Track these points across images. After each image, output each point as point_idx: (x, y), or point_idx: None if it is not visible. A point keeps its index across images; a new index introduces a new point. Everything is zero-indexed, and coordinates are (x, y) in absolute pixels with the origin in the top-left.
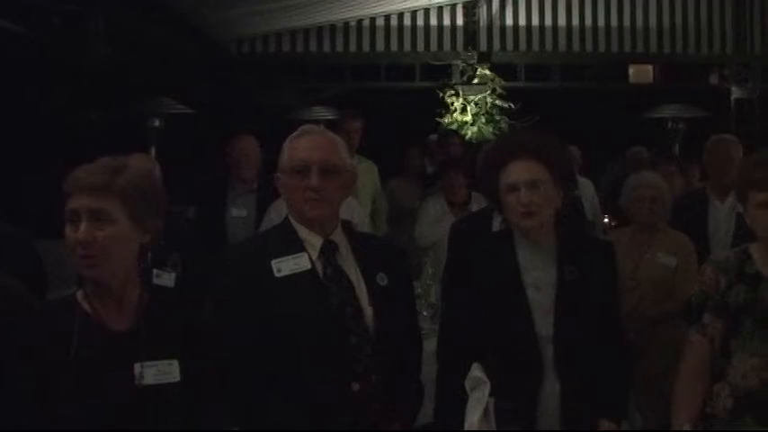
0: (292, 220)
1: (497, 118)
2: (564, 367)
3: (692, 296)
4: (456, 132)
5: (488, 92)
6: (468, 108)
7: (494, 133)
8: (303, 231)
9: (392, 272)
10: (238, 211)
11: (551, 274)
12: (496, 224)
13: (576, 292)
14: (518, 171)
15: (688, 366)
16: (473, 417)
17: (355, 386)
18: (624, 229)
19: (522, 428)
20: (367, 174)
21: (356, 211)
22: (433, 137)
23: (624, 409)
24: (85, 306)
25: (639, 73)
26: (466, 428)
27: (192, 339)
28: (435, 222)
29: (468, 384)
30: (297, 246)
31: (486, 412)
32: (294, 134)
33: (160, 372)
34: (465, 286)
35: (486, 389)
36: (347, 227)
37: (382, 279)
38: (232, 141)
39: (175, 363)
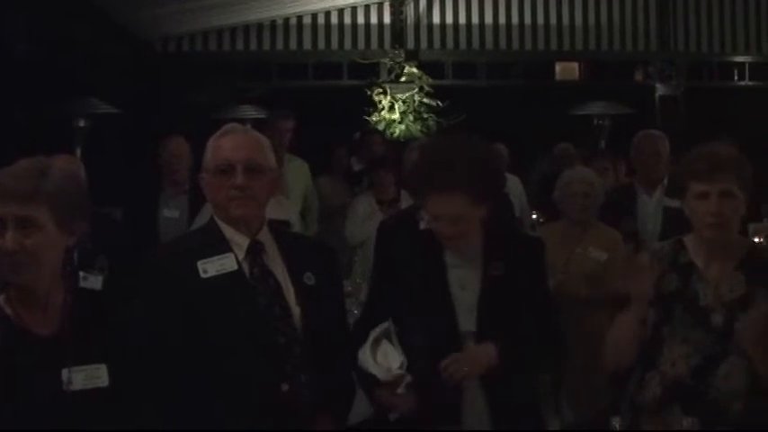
0: (218, 221)
1: (425, 116)
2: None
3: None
4: (377, 131)
5: (416, 90)
6: (396, 106)
7: (421, 131)
8: (229, 231)
9: (320, 271)
10: (170, 212)
11: (477, 272)
12: (424, 222)
13: (502, 288)
14: (439, 205)
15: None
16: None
17: (284, 386)
18: (555, 224)
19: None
20: (298, 172)
21: (291, 210)
22: (357, 135)
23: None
24: (8, 310)
25: (566, 70)
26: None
27: (119, 342)
28: (364, 220)
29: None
30: (223, 246)
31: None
32: (218, 133)
33: (88, 377)
34: (390, 284)
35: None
36: (274, 227)
37: (309, 278)
38: (163, 142)
39: (103, 367)
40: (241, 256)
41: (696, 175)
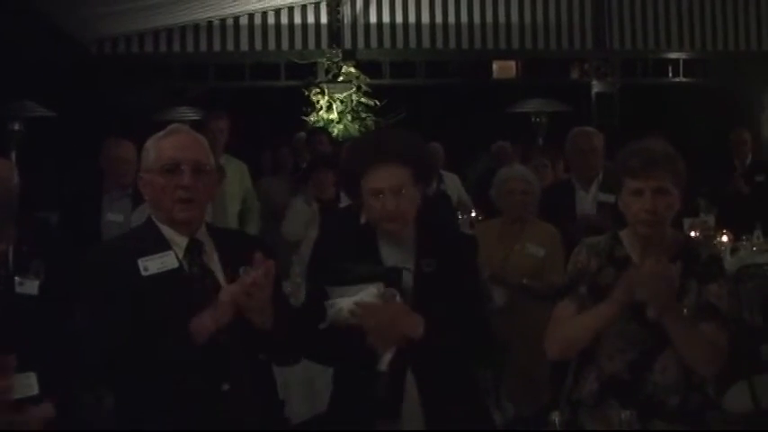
0: (156, 221)
1: (363, 115)
2: (422, 358)
3: (566, 274)
4: (324, 130)
5: (354, 89)
6: (334, 106)
7: (360, 130)
8: (168, 231)
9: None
10: (114, 216)
11: (410, 267)
12: (364, 219)
13: (434, 284)
14: (382, 176)
15: (558, 323)
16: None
17: (225, 386)
18: (493, 220)
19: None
20: (236, 173)
21: (229, 212)
22: (302, 135)
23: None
24: None
25: (503, 69)
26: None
27: (56, 345)
28: (304, 219)
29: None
30: (163, 245)
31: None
32: (160, 134)
33: (18, 385)
34: (324, 281)
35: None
36: (211, 225)
37: (245, 272)
38: (105, 144)
39: (33, 375)
40: (180, 254)
41: (630, 171)
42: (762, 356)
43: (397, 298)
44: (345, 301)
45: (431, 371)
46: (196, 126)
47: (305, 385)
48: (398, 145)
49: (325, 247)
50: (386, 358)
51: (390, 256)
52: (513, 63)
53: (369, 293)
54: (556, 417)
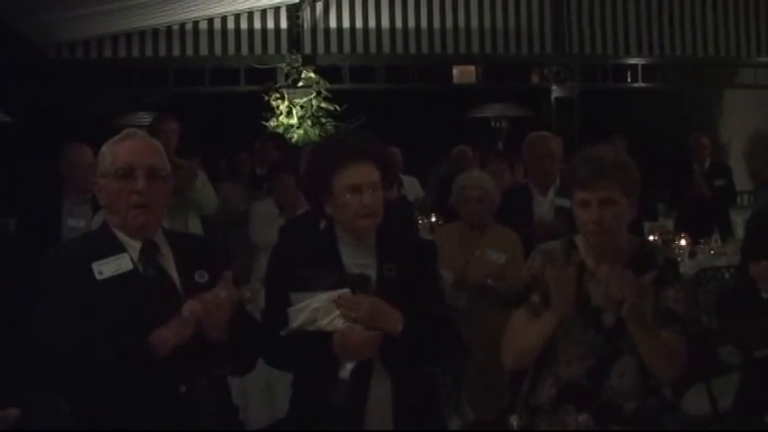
0: (111, 226)
1: (323, 120)
2: (390, 362)
3: (521, 281)
4: (276, 136)
5: (314, 94)
6: (294, 111)
7: (320, 135)
8: (122, 236)
9: (212, 269)
10: (75, 222)
11: (371, 273)
12: (323, 224)
13: (396, 288)
14: (360, 173)
15: (512, 333)
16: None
17: (182, 388)
18: (452, 225)
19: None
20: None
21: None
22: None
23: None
24: None
25: (463, 74)
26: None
27: (12, 353)
28: (267, 224)
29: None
30: (117, 248)
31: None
32: (115, 138)
33: None
34: (285, 287)
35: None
36: (166, 229)
37: (202, 276)
38: (64, 150)
39: None
40: (135, 257)
41: (578, 182)
42: (720, 359)
43: None
44: (312, 309)
45: (398, 375)
46: (148, 129)
47: (264, 391)
48: (371, 145)
49: (285, 253)
50: (348, 366)
51: (352, 260)
52: (473, 68)
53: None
54: (514, 420)
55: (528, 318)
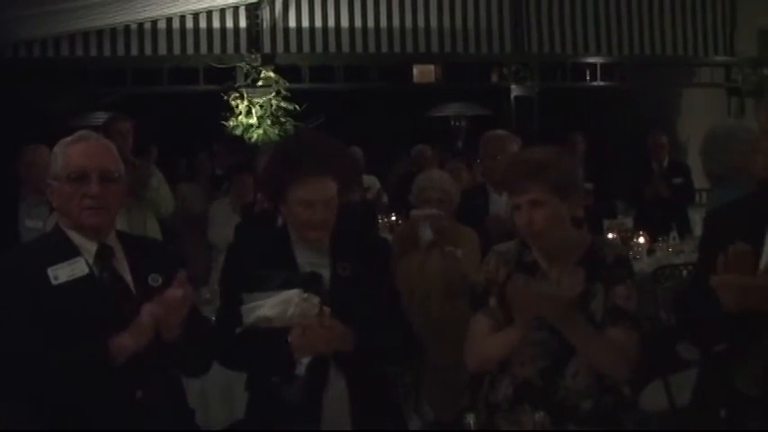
0: (64, 227)
1: (283, 120)
2: (343, 362)
3: (478, 284)
4: (234, 136)
5: (273, 94)
6: (254, 111)
7: (279, 135)
8: (77, 238)
9: (166, 273)
10: (33, 223)
11: (326, 271)
12: (281, 222)
13: (349, 288)
14: (314, 189)
15: (474, 339)
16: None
17: (138, 393)
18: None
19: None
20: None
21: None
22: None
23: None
24: None
25: (423, 73)
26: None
27: None
28: (225, 224)
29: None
30: (72, 252)
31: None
32: (68, 140)
33: None
34: (239, 287)
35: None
36: (120, 231)
37: (155, 280)
38: (22, 151)
39: None
40: (90, 260)
41: (507, 186)
42: (678, 355)
43: (315, 301)
44: (265, 308)
45: (355, 374)
46: (102, 129)
47: (223, 391)
48: (330, 158)
49: (240, 253)
50: (304, 363)
51: (305, 260)
52: (432, 67)
53: (287, 299)
54: (471, 419)
55: (489, 325)
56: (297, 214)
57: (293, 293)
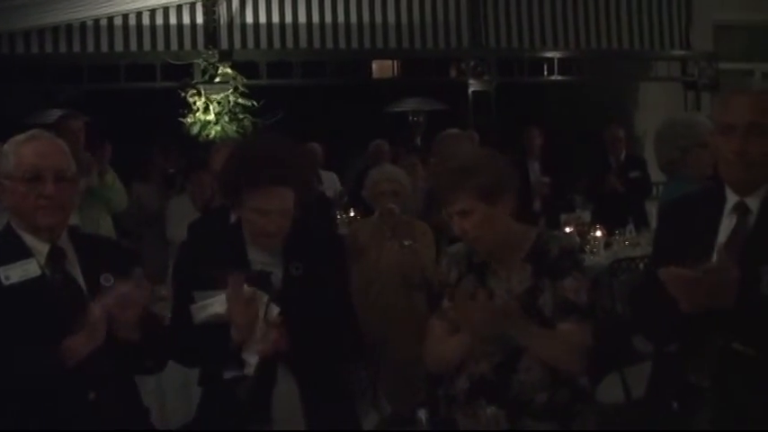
0: (16, 227)
1: (241, 116)
2: (295, 361)
3: (432, 286)
4: (191, 133)
5: (231, 90)
6: (211, 107)
7: (237, 132)
8: (28, 238)
9: (118, 272)
10: None
11: (278, 270)
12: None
13: (302, 286)
14: (271, 199)
15: (431, 342)
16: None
17: (91, 395)
18: (367, 220)
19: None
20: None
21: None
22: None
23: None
24: None
25: (382, 69)
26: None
27: None
28: (182, 222)
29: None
30: (23, 252)
31: None
32: (20, 138)
33: None
34: (190, 285)
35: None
36: (71, 230)
37: (107, 280)
38: None
39: None
40: (42, 261)
41: (437, 196)
42: (634, 348)
43: (264, 299)
44: (214, 306)
45: (305, 373)
46: (55, 128)
47: (181, 389)
48: (289, 168)
49: (191, 251)
50: (253, 362)
51: (258, 258)
52: (390, 62)
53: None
54: (423, 414)
55: (443, 328)
56: (252, 221)
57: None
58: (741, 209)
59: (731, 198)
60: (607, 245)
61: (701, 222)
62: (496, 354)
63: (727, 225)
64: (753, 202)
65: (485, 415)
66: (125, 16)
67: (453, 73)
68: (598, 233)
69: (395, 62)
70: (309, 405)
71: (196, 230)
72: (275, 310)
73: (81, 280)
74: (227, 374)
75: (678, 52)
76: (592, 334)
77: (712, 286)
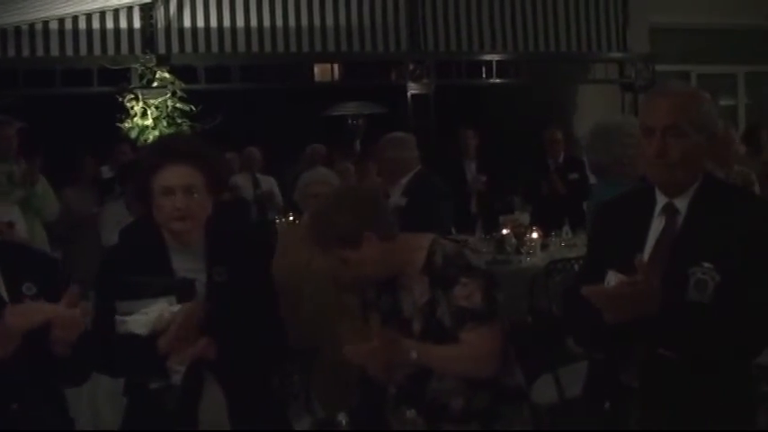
0: None
1: (179, 121)
2: (221, 369)
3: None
4: (127, 139)
5: (168, 95)
6: (149, 112)
7: None
8: None
9: (40, 281)
10: None
11: (202, 277)
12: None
13: (225, 293)
14: (173, 175)
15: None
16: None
17: (14, 405)
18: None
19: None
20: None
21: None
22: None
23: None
24: None
25: (324, 72)
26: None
27: None
28: (118, 227)
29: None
30: None
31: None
32: None
33: None
34: (113, 294)
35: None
36: None
37: (29, 289)
38: None
39: None
40: None
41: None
42: (568, 348)
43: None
44: (136, 318)
45: (232, 379)
46: None
47: (114, 396)
48: (190, 147)
49: (115, 258)
50: (179, 371)
51: (181, 265)
52: (329, 66)
53: (158, 309)
54: (343, 417)
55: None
56: (160, 206)
57: (163, 302)
58: (669, 210)
59: (660, 199)
60: (544, 246)
61: (632, 224)
62: (408, 366)
63: (656, 226)
64: (681, 204)
65: (406, 420)
66: (61, 20)
67: (394, 76)
68: (534, 235)
69: (337, 66)
70: (236, 413)
71: (123, 238)
72: (198, 318)
73: (3, 288)
74: (154, 384)
75: (615, 54)
76: (498, 332)
77: (635, 299)
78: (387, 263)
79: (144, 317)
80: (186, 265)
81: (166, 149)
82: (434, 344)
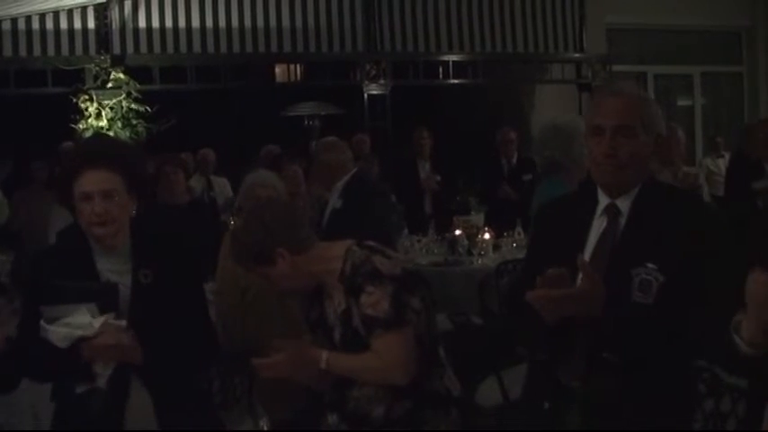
0: None
1: (134, 122)
2: (147, 371)
3: None
4: (80, 140)
5: (123, 96)
6: (104, 113)
7: (131, 137)
8: None
9: None
10: None
11: (127, 279)
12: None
13: (150, 296)
14: (91, 180)
15: None
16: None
17: None
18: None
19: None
20: None
21: None
22: (68, 144)
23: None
24: None
25: (284, 72)
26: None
27: None
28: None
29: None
30: None
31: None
32: None
33: None
34: (39, 299)
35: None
36: None
37: None
38: None
39: None
40: None
41: None
42: (516, 350)
43: (111, 319)
44: (58, 326)
45: (160, 384)
46: None
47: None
48: (108, 151)
49: (42, 261)
50: (105, 374)
51: (106, 267)
52: (286, 66)
53: (80, 316)
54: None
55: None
56: (81, 212)
57: (84, 309)
58: (612, 211)
59: (603, 200)
60: (496, 247)
61: (574, 224)
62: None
63: (597, 227)
64: (623, 204)
65: (329, 426)
66: (14, 20)
67: (352, 77)
68: (487, 236)
69: (297, 66)
70: (164, 414)
71: (60, 239)
72: (121, 324)
73: None
74: (79, 389)
75: (572, 55)
76: (407, 339)
77: (578, 301)
78: (303, 276)
79: (64, 329)
80: (113, 267)
81: (84, 154)
82: (352, 352)
